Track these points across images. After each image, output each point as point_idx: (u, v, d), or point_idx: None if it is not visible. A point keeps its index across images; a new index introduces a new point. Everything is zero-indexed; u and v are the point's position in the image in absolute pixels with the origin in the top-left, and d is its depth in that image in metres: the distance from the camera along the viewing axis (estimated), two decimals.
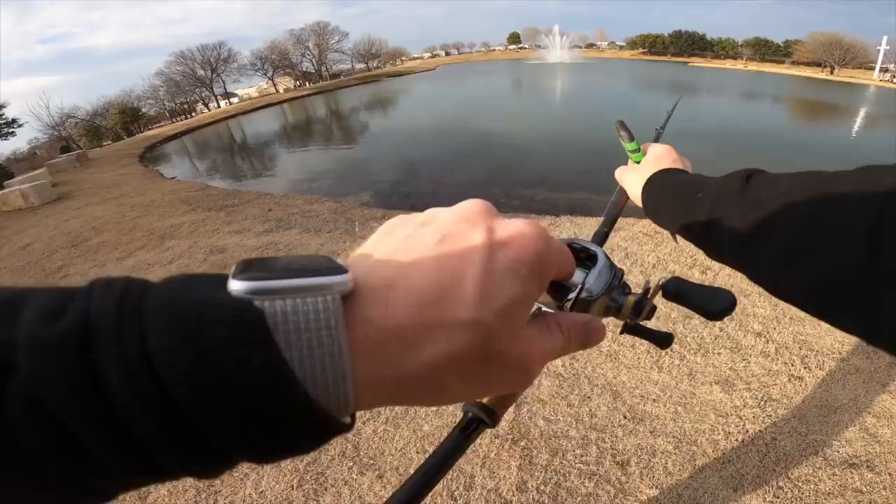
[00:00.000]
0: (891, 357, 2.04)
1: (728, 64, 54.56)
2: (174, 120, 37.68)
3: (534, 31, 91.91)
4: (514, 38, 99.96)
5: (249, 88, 55.87)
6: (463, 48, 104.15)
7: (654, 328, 0.38)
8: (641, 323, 0.35)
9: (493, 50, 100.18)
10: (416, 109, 18.38)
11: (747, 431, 1.74)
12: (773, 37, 67.76)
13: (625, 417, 1.79)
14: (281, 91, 47.24)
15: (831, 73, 45.80)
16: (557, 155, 8.01)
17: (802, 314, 1.66)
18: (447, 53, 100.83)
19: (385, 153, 9.64)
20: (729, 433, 1.74)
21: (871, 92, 28.61)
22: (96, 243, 5.13)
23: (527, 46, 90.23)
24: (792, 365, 2.04)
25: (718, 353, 2.10)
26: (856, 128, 13.53)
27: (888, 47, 43.53)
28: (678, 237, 0.47)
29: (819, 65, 48.60)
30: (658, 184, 0.49)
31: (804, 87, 28.47)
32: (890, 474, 1.62)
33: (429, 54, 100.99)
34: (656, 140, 0.60)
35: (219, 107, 42.15)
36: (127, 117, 33.34)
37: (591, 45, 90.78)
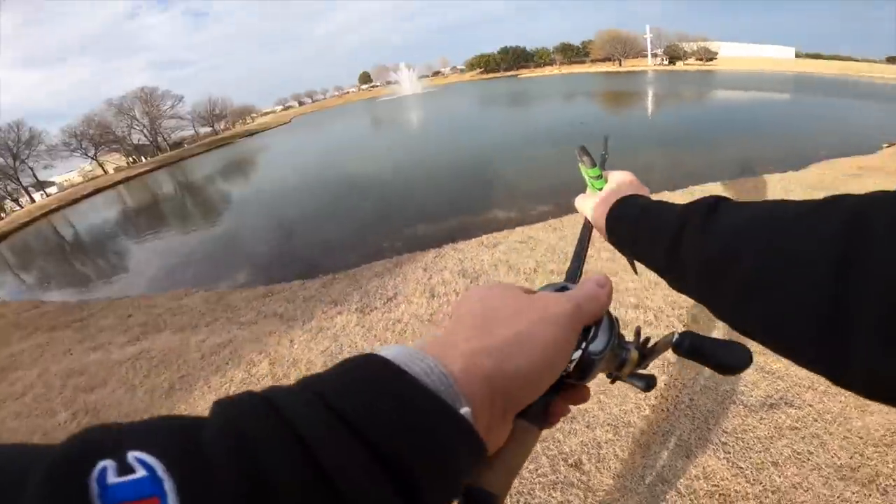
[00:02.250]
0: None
1: (547, 71, 65.18)
2: None
3: (383, 68, 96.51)
4: (366, 78, 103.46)
5: (69, 174, 48.44)
6: (316, 95, 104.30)
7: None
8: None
9: (347, 92, 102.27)
10: (279, 167, 17.80)
11: (666, 399, 1.87)
12: (573, 40, 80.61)
13: (560, 421, 2.05)
14: (111, 171, 41.75)
15: (620, 65, 56.61)
16: (428, 185, 8.53)
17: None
18: (300, 103, 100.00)
19: (255, 222, 9.22)
20: (652, 406, 1.86)
21: (650, 76, 37.20)
22: None
23: (378, 84, 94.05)
24: (673, 326, 2.30)
25: None
26: (649, 108, 17.10)
27: (652, 35, 55.57)
28: (639, 265, 0.48)
29: (610, 59, 59.57)
30: (621, 211, 0.49)
31: (603, 81, 34.74)
32: (810, 405, 1.76)
33: (281, 107, 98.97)
34: (601, 165, 0.59)
35: (33, 200, 35.53)
36: None
37: (436, 73, 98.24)
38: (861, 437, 1.65)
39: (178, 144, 51.17)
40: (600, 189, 0.55)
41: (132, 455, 0.14)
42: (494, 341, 0.24)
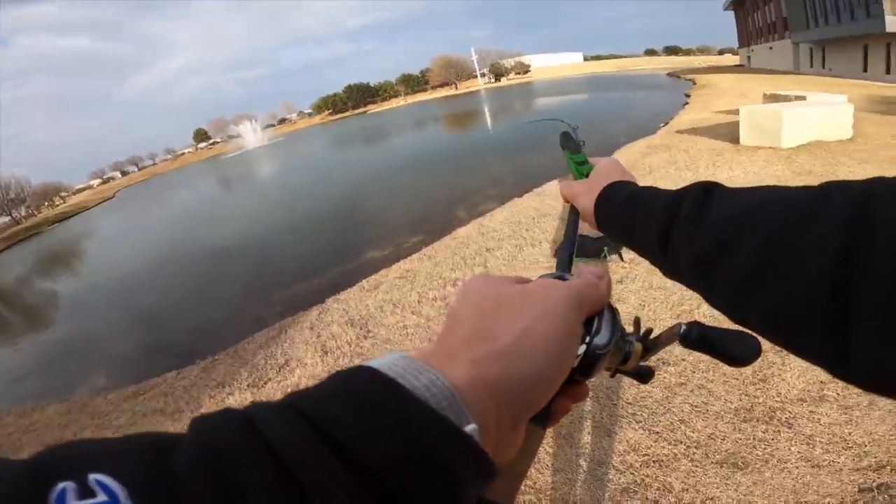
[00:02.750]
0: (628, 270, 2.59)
1: (394, 102, 68.56)
2: None
3: (221, 122, 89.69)
4: (202, 135, 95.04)
5: None
6: (143, 162, 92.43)
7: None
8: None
9: (182, 153, 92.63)
10: (113, 253, 15.26)
11: (609, 388, 1.98)
12: (413, 70, 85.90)
13: None
14: None
15: (457, 88, 62.69)
16: (296, 241, 8.27)
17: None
18: (123, 173, 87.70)
19: (99, 316, 7.85)
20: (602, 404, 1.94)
21: (483, 94, 42.53)
22: None
23: (219, 140, 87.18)
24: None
25: None
26: (488, 123, 19.37)
27: (477, 56, 62.99)
28: (627, 251, 0.58)
29: (448, 84, 65.59)
30: (610, 197, 0.48)
31: (446, 104, 38.40)
32: (683, 360, 1.91)
33: (98, 180, 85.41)
34: (578, 150, 0.58)
35: None
36: None
37: (282, 120, 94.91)
38: (737, 379, 1.84)
39: None
40: (586, 175, 0.55)
41: (93, 477, 0.13)
42: (497, 344, 0.22)
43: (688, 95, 14.77)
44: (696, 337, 0.31)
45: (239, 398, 2.90)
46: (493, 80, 61.15)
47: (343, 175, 14.92)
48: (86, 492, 0.13)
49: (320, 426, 0.16)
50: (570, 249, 0.45)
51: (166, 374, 3.82)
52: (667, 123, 9.81)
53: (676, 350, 1.93)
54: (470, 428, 0.18)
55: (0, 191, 47.97)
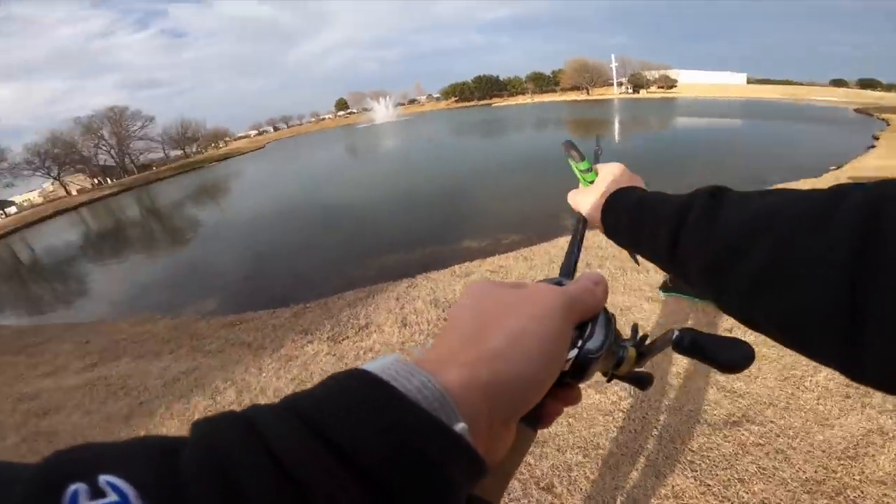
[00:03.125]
0: (708, 318, 2.47)
1: (520, 99, 67.17)
2: None
3: (359, 95, 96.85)
4: (342, 105, 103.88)
5: (30, 193, 46.42)
6: (292, 121, 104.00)
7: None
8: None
9: (323, 118, 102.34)
10: (252, 194, 17.53)
11: (633, 420, 1.91)
12: (545, 69, 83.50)
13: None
14: (74, 193, 40.17)
15: (588, 93, 59.16)
16: (402, 215, 8.60)
17: (628, 302, 2.19)
18: (275, 128, 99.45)
19: (224, 250, 8.99)
20: (620, 427, 1.88)
21: (616, 104, 39.69)
22: None
23: (355, 111, 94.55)
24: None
25: None
26: (615, 134, 17.94)
27: (617, 63, 58.56)
28: (640, 258, 0.48)
29: (579, 88, 62.22)
30: (617, 204, 0.48)
31: (573, 109, 36.47)
32: (772, 422, 1.79)
33: (255, 131, 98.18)
34: (594, 160, 0.59)
35: None
36: None
37: (412, 101, 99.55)
38: (824, 451, 1.67)
39: (145, 167, 49.78)
40: (592, 182, 0.55)
41: (104, 479, 0.14)
42: (489, 346, 0.23)
43: (876, 138, 12.10)
44: (689, 343, 0.31)
45: (317, 348, 3.06)
46: (630, 90, 56.69)
47: (458, 161, 15.10)
48: (97, 492, 0.13)
49: (318, 428, 0.16)
50: (573, 257, 0.45)
51: (262, 312, 4.18)
52: (839, 167, 8.10)
53: (767, 411, 1.84)
54: (460, 427, 0.19)
55: (180, 128, 57.83)
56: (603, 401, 2.02)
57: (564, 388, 0.28)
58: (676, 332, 0.31)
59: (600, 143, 0.67)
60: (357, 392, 0.18)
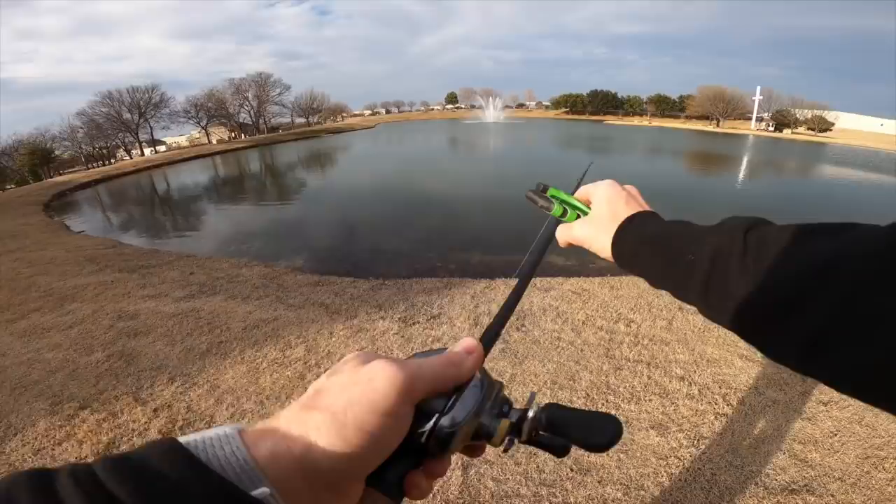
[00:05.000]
0: (802, 386, 2.32)
1: (636, 121, 61.55)
2: (90, 166, 34.69)
3: (469, 91, 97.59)
4: (452, 98, 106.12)
5: (179, 137, 53.76)
6: (403, 107, 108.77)
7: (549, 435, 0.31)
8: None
9: (432, 109, 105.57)
10: (355, 168, 18.55)
11: (687, 470, 1.82)
12: (670, 92, 76.34)
13: (571, 470, 1.81)
14: (214, 142, 45.81)
15: (717, 125, 52.73)
16: (493, 215, 8.41)
17: (717, 355, 1.84)
18: (387, 111, 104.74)
19: (322, 213, 9.54)
20: (671, 474, 1.80)
21: (751, 140, 34.61)
22: None
23: (462, 106, 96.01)
24: (716, 403, 2.21)
25: (650, 400, 2.25)
26: (741, 176, 15.79)
27: (761, 97, 51.53)
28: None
29: (707, 118, 55.82)
30: (633, 235, 0.45)
31: (697, 139, 32.80)
32: (832, 495, 1.71)
33: (369, 111, 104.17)
34: (573, 191, 0.55)
35: (142, 154, 39.74)
36: (36, 159, 30.05)
37: (520, 105, 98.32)
38: None
39: (274, 129, 55.22)
40: (575, 218, 0.51)
41: None
42: (312, 420, 0.23)
43: None
44: (546, 421, 0.29)
45: (388, 325, 3.05)
46: (771, 128, 50.01)
47: (557, 173, 14.43)
48: None
49: (111, 492, 0.18)
50: (502, 324, 0.38)
51: (344, 278, 4.24)
52: None
53: (833, 485, 1.75)
54: (259, 491, 0.20)
55: (309, 99, 63.19)
56: (662, 444, 1.93)
57: (429, 459, 0.27)
58: (536, 409, 0.30)
59: (588, 169, 0.61)
60: (157, 460, 0.19)
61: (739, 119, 54.39)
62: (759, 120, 51.86)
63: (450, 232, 7.13)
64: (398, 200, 10.07)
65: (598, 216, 0.49)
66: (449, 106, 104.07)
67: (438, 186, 11.76)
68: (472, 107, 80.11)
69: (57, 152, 35.51)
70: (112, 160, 37.80)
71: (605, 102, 79.10)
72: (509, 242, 6.32)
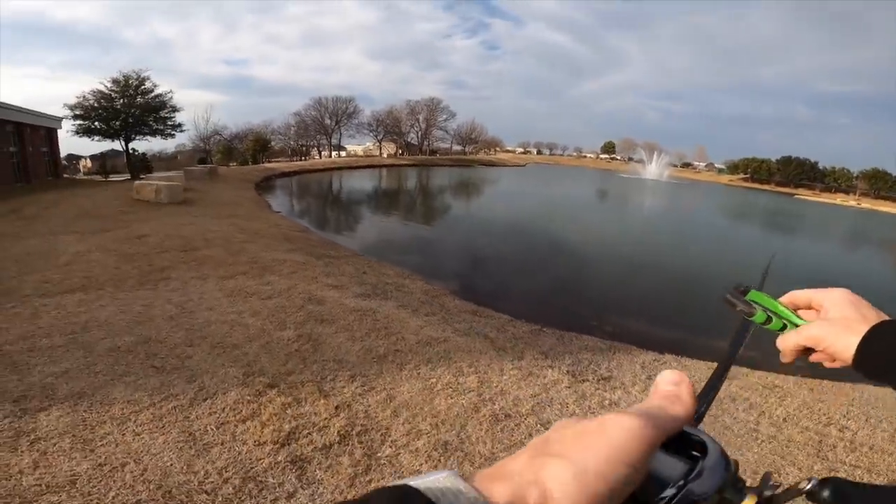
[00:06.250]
0: None
1: (839, 199, 49.81)
2: (291, 158, 42.09)
3: (630, 142, 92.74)
4: (609, 148, 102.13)
5: (357, 146, 61.96)
6: (555, 149, 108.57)
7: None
8: None
9: (585, 156, 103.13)
10: (509, 204, 18.89)
11: None
12: (892, 168, 59.46)
13: None
14: (384, 155, 51.72)
15: None
16: (649, 283, 7.71)
17: None
18: (539, 151, 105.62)
19: (473, 243, 9.87)
20: None
21: None
22: (203, 255, 5.56)
23: (619, 157, 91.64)
24: None
25: None
26: None
27: None
28: None
29: None
30: (888, 341, 0.41)
31: None
32: None
33: (521, 149, 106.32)
34: (759, 287, 0.51)
35: (330, 156, 46.84)
36: (258, 146, 37.76)
37: (686, 165, 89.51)
38: None
39: (434, 152, 60.34)
40: (782, 329, 0.47)
41: None
42: (547, 468, 0.22)
43: None
44: (831, 497, 0.26)
45: (557, 376, 2.95)
46: None
47: (738, 252, 12.47)
48: None
49: None
50: (708, 404, 0.40)
51: (501, 315, 4.26)
52: None
53: None
54: None
55: (469, 129, 67.57)
56: None
57: None
58: (815, 481, 0.27)
59: (769, 268, 0.57)
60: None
61: None
62: None
63: (606, 292, 6.74)
64: (553, 250, 9.87)
65: (840, 318, 0.45)
66: (604, 155, 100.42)
67: (595, 244, 11.19)
68: (630, 159, 76.08)
69: (272, 143, 43.89)
70: (307, 157, 45.24)
71: (799, 172, 66.08)
72: (670, 317, 5.73)
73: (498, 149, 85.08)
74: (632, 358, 3.53)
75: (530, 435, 2.22)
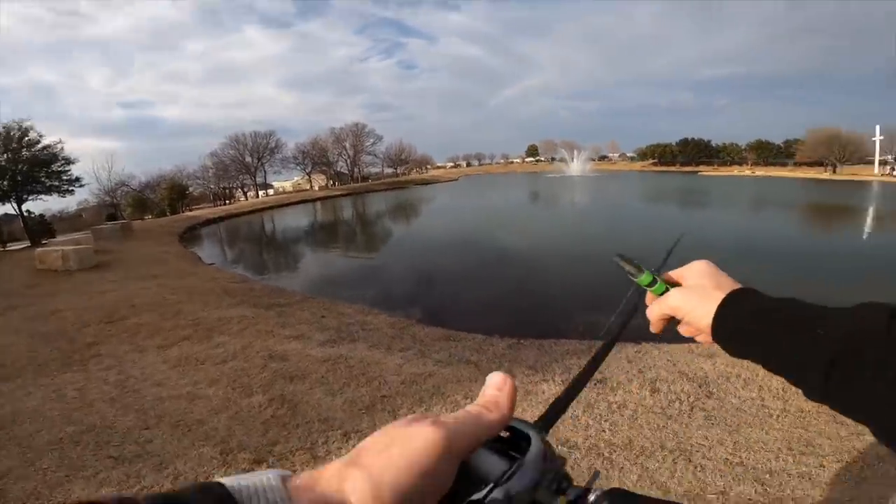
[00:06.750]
0: None
1: (735, 171, 55.85)
2: (215, 203, 39.55)
3: (550, 143, 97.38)
4: (533, 151, 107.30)
5: (285, 182, 60.00)
6: (483, 159, 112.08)
7: None
8: None
9: (512, 162, 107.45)
10: (448, 221, 18.84)
11: None
12: (772, 138, 67.99)
13: None
14: (316, 188, 50.34)
15: (834, 171, 46.12)
16: (576, 275, 7.88)
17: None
18: (468, 164, 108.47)
19: (421, 265, 9.63)
20: None
21: (874, 188, 29.58)
22: (134, 324, 5.01)
23: (543, 159, 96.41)
24: None
25: None
26: (866, 228, 13.50)
27: (882, 137, 44.60)
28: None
29: (821, 164, 49.20)
30: (743, 306, 0.42)
31: (810, 189, 28.77)
32: None
33: (451, 164, 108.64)
34: (659, 268, 0.51)
35: (256, 196, 44.70)
36: (174, 194, 34.54)
37: (603, 157, 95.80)
38: None
39: (365, 178, 59.71)
40: (661, 293, 0.48)
41: None
42: (350, 478, 0.23)
43: None
44: None
45: (554, 389, 2.87)
46: None
47: (662, 235, 13.28)
48: None
49: None
50: (565, 403, 0.39)
51: (475, 335, 4.13)
52: None
53: None
54: None
55: (398, 150, 67.87)
56: None
57: None
58: (598, 494, 0.28)
59: (677, 243, 0.57)
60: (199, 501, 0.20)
61: (860, 164, 47.48)
62: (884, 164, 44.84)
63: (563, 290, 6.85)
64: (502, 257, 9.89)
65: (698, 286, 0.46)
66: (529, 158, 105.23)
67: (540, 245, 11.30)
68: (553, 159, 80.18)
69: (190, 189, 41.02)
70: (231, 200, 42.86)
71: (697, 152, 73.70)
72: (590, 303, 5.84)
73: (429, 166, 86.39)
74: (616, 355, 3.51)
75: None
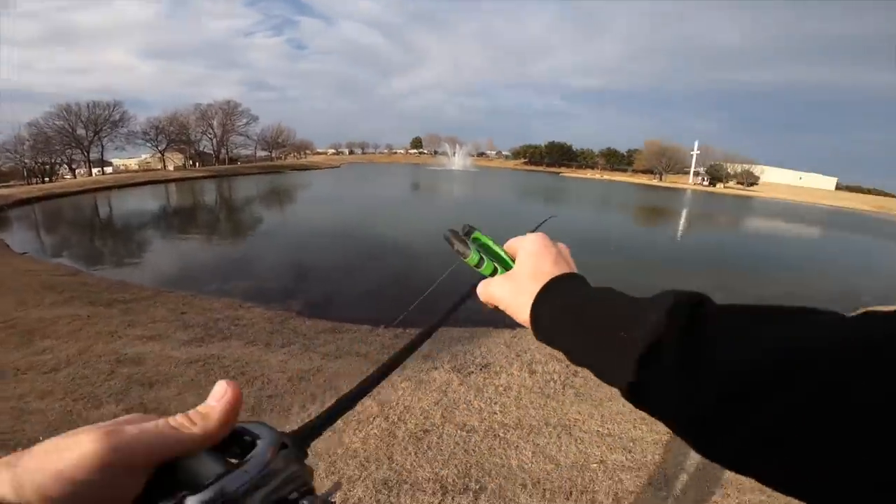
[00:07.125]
0: None
1: (589, 174, 66.51)
2: (30, 181, 32.02)
3: (435, 137, 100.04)
4: (417, 143, 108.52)
5: (130, 159, 50.98)
6: (367, 148, 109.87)
7: None
8: None
9: (396, 152, 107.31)
10: (320, 207, 18.05)
11: None
12: (620, 146, 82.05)
13: None
14: (170, 168, 43.74)
15: (660, 179, 57.36)
16: (460, 263, 8.31)
17: None
18: (351, 151, 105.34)
19: (294, 253, 9.03)
20: None
21: (688, 195, 38.12)
22: None
23: (426, 152, 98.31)
24: None
25: None
26: (679, 229, 17.01)
27: (699, 151, 56.52)
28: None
29: (652, 172, 60.50)
30: (555, 300, 0.39)
31: (642, 194, 35.27)
32: None
33: (333, 150, 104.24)
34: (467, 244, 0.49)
35: (90, 174, 37.01)
36: None
37: (481, 154, 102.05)
38: None
39: (233, 160, 53.62)
40: (491, 274, 0.45)
41: None
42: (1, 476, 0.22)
43: None
44: None
45: (447, 377, 2.93)
46: (706, 182, 55.11)
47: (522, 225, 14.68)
48: None
49: None
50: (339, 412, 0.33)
51: (360, 326, 4.02)
52: None
53: None
54: None
55: (276, 133, 62.44)
56: None
57: None
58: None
59: (545, 221, 0.58)
60: None
61: (680, 173, 59.46)
62: (696, 174, 56.79)
63: (454, 280, 7.00)
64: (383, 245, 9.79)
65: (519, 273, 0.43)
66: (413, 150, 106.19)
67: (398, 233, 11.28)
68: (436, 153, 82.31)
69: None
70: (53, 177, 34.94)
71: (561, 154, 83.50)
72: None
73: (309, 151, 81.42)
74: (495, 340, 3.73)
75: (457, 444, 2.14)
